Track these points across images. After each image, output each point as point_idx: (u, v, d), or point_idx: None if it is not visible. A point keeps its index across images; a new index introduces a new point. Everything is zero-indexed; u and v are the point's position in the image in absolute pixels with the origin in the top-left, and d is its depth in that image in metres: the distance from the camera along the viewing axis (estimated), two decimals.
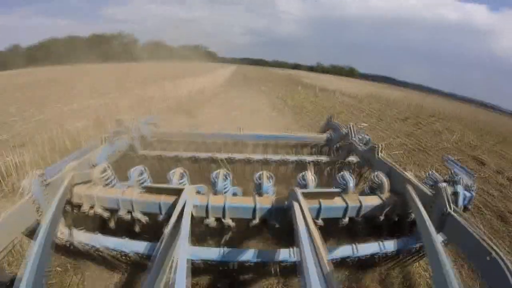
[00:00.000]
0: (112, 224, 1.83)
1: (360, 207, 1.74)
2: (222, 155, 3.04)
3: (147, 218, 1.75)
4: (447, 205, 1.41)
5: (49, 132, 4.61)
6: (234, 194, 1.99)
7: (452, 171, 2.20)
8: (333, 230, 1.81)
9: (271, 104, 10.41)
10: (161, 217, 1.67)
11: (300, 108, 10.21)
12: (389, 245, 1.77)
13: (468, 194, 1.93)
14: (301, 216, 1.31)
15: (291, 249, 1.65)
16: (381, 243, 1.77)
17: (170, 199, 1.65)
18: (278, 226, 1.70)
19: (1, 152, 3.58)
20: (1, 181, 3.17)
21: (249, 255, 1.62)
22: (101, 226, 1.82)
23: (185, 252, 1.03)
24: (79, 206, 1.75)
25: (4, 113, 6.92)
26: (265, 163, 3.06)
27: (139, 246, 1.62)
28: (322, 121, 4.74)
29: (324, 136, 3.45)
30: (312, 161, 3.09)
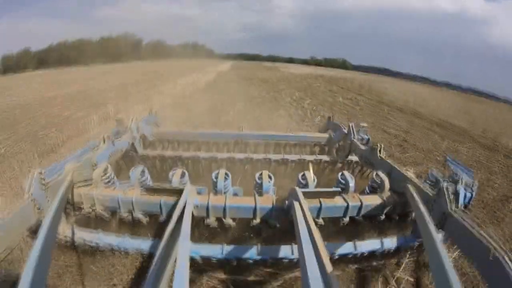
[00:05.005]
0: (113, 224, 1.83)
1: (361, 206, 1.74)
2: (223, 155, 3.04)
3: (147, 219, 1.75)
4: (448, 204, 1.41)
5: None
6: (235, 194, 1.99)
7: (452, 171, 2.20)
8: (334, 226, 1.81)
9: (252, 73, 21.57)
10: (162, 217, 1.67)
11: (256, 73, 21.07)
12: (389, 243, 1.78)
13: (468, 193, 1.93)
14: (302, 216, 1.31)
15: (292, 246, 1.65)
16: (381, 240, 1.77)
17: (171, 199, 1.65)
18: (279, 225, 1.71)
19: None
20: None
21: (250, 252, 1.62)
22: (102, 225, 1.82)
23: (186, 250, 1.04)
24: (79, 206, 1.76)
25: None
26: (266, 162, 3.06)
27: (140, 244, 1.62)
28: (263, 71, 23.58)
29: (325, 135, 3.45)
30: (313, 161, 3.09)
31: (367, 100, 12.21)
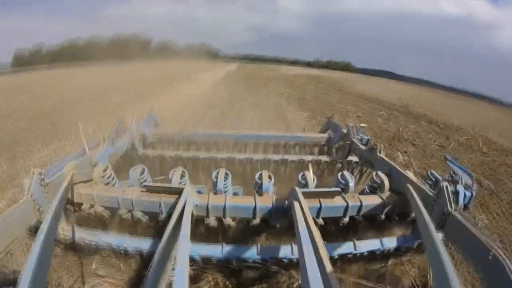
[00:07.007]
0: (112, 224, 1.83)
1: (361, 206, 1.74)
2: (223, 155, 3.04)
3: (147, 218, 1.75)
4: (448, 204, 1.41)
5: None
6: (235, 194, 1.99)
7: (452, 170, 2.20)
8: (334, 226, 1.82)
9: (254, 72, 25.05)
10: (161, 217, 1.67)
11: (257, 73, 24.31)
12: (389, 242, 1.78)
13: (468, 193, 1.93)
14: (302, 215, 1.31)
15: (292, 246, 1.65)
16: (381, 240, 1.77)
17: (171, 199, 1.65)
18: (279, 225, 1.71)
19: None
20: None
21: (250, 251, 1.62)
22: (102, 225, 1.82)
23: (185, 249, 1.04)
24: (79, 206, 1.76)
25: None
26: (266, 162, 3.06)
27: (140, 244, 1.62)
28: (263, 71, 27.52)
29: (324, 136, 3.45)
30: (312, 161, 3.09)
31: (329, 87, 16.44)
